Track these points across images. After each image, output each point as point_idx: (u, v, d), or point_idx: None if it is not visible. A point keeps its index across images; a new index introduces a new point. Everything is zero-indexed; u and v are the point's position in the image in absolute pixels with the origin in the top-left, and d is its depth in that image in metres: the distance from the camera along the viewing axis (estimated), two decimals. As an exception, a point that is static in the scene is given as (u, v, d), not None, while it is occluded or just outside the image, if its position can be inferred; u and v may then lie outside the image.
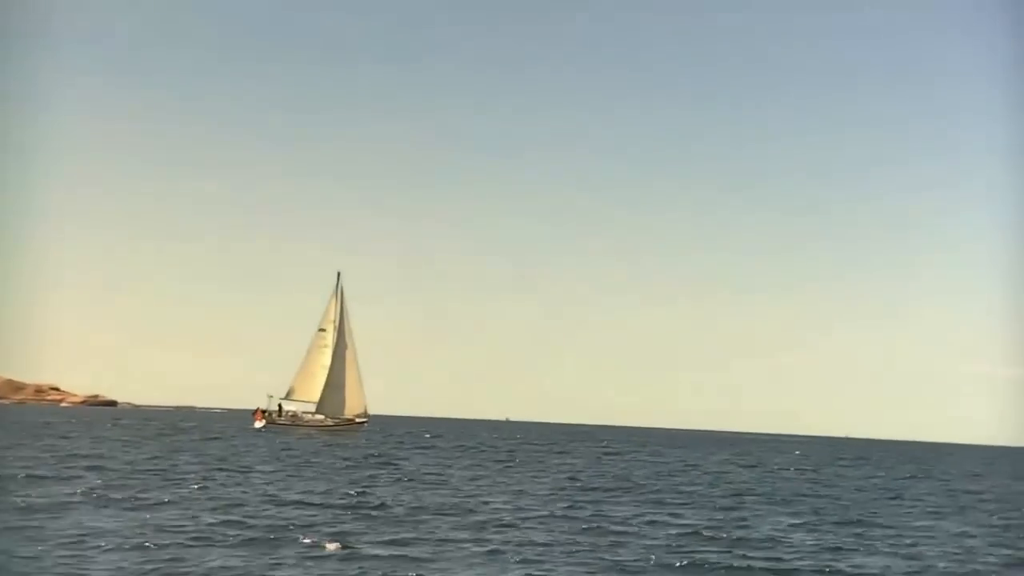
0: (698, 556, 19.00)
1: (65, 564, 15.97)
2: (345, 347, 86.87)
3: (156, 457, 40.77)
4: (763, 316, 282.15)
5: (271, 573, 16.08)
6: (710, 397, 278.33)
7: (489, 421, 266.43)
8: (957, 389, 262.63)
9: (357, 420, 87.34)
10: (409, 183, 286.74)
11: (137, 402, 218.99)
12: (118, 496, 24.38)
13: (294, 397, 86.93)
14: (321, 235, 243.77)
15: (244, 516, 21.70)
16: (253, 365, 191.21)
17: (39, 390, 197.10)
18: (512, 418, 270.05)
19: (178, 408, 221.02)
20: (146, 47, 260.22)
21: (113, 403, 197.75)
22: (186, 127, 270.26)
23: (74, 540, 17.89)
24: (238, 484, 28.75)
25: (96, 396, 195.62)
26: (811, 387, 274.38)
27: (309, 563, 16.99)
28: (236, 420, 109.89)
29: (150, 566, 16.04)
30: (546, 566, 17.62)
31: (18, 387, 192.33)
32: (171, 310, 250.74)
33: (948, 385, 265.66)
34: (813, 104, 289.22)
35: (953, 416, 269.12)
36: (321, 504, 24.91)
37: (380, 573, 16.45)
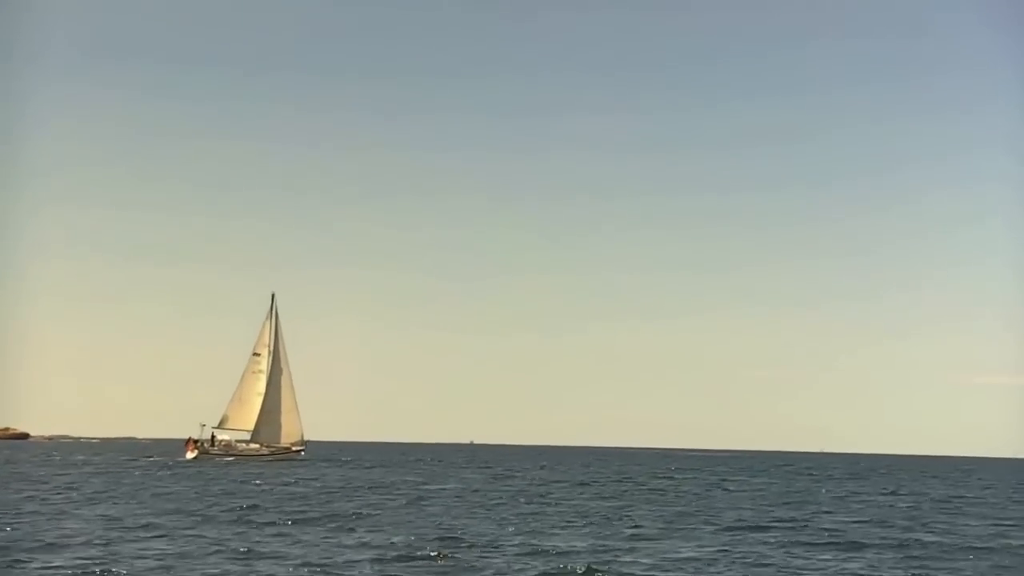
0: None
1: None
2: (280, 372, 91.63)
3: None
4: (763, 332, 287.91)
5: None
6: (703, 414, 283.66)
7: (454, 445, 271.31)
8: (966, 401, 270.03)
9: (294, 448, 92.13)
10: (363, 196, 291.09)
11: (75, 434, 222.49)
12: None
13: (227, 425, 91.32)
14: (255, 255, 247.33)
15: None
16: (189, 391, 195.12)
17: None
18: (477, 441, 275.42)
19: (113, 440, 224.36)
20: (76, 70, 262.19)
21: (25, 436, 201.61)
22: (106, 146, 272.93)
23: None
24: None
25: (6, 429, 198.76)
26: (805, 402, 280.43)
27: None
28: (168, 451, 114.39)
29: None
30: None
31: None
32: (99, 337, 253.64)
33: (957, 397, 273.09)
34: (817, 110, 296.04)
35: (962, 429, 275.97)
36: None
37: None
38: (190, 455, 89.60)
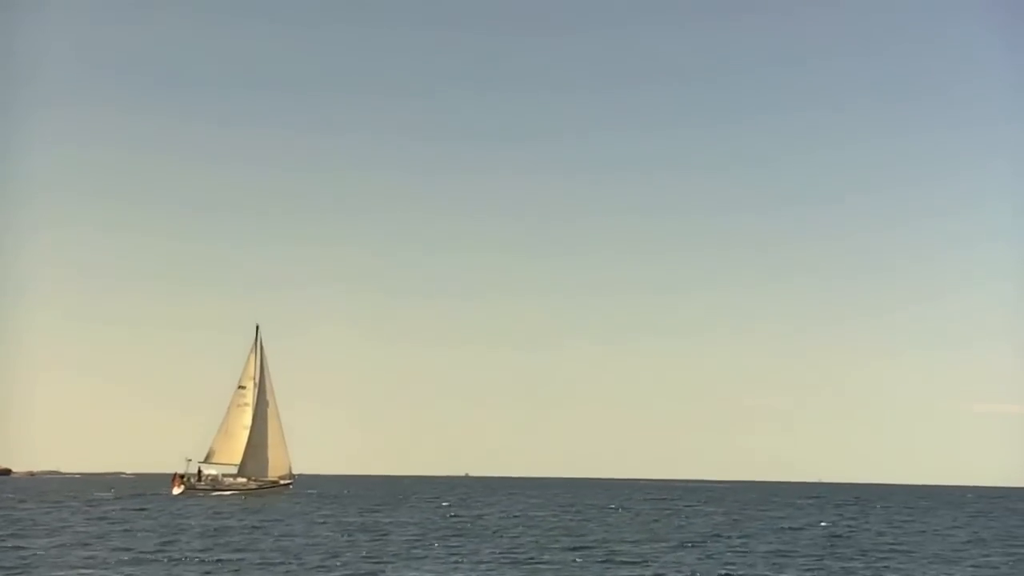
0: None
1: None
2: (267, 404, 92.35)
3: None
4: (750, 356, 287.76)
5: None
6: (705, 444, 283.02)
7: (449, 478, 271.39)
8: (965, 429, 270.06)
9: (282, 482, 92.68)
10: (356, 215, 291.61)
11: (64, 469, 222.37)
12: None
13: (214, 460, 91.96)
14: (243, 286, 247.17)
15: None
16: (180, 425, 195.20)
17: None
18: (472, 473, 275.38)
19: (98, 475, 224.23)
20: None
21: (7, 472, 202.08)
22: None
23: None
24: None
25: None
26: (793, 431, 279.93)
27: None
28: (154, 486, 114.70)
29: None
30: None
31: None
32: (86, 371, 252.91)
33: (955, 426, 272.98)
34: (814, 127, 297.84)
35: (963, 458, 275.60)
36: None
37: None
38: (176, 491, 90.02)
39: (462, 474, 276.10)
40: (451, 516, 61.52)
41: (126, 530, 46.59)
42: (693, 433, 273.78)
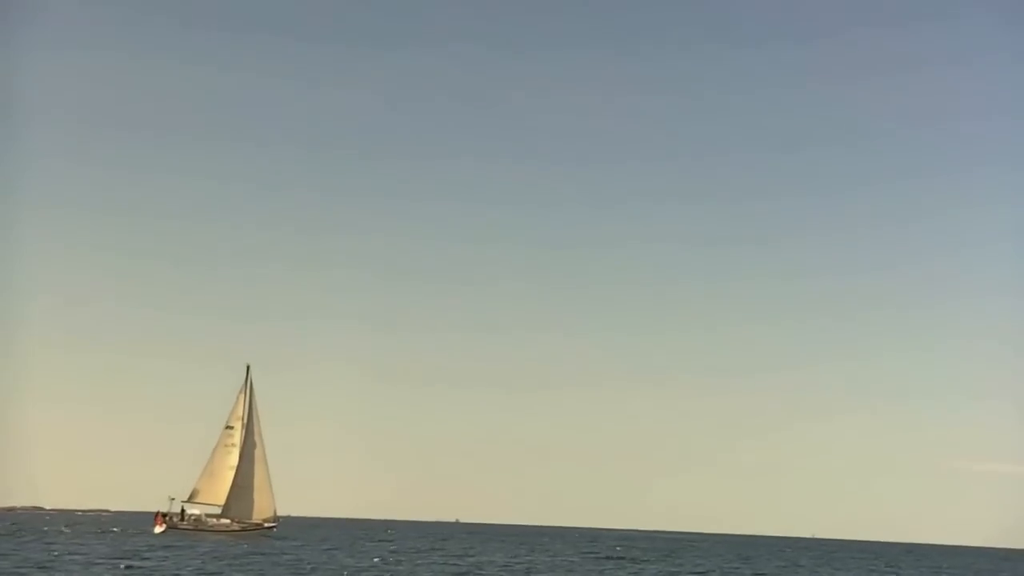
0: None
1: None
2: (254, 446, 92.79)
3: None
4: (738, 404, 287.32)
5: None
6: (670, 496, 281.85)
7: (437, 523, 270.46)
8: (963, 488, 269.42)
9: (266, 524, 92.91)
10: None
11: (48, 505, 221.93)
12: None
13: (198, 500, 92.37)
14: (234, 326, 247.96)
15: None
16: (166, 463, 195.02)
17: None
18: (463, 519, 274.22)
19: (79, 511, 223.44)
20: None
21: None
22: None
23: None
24: None
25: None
26: (785, 484, 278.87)
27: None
28: (137, 524, 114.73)
29: None
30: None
31: None
32: (75, 407, 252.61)
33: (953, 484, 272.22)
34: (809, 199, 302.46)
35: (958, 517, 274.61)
36: None
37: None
38: (158, 530, 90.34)
39: (452, 520, 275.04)
40: (390, 561, 61.47)
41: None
42: (682, 484, 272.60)
